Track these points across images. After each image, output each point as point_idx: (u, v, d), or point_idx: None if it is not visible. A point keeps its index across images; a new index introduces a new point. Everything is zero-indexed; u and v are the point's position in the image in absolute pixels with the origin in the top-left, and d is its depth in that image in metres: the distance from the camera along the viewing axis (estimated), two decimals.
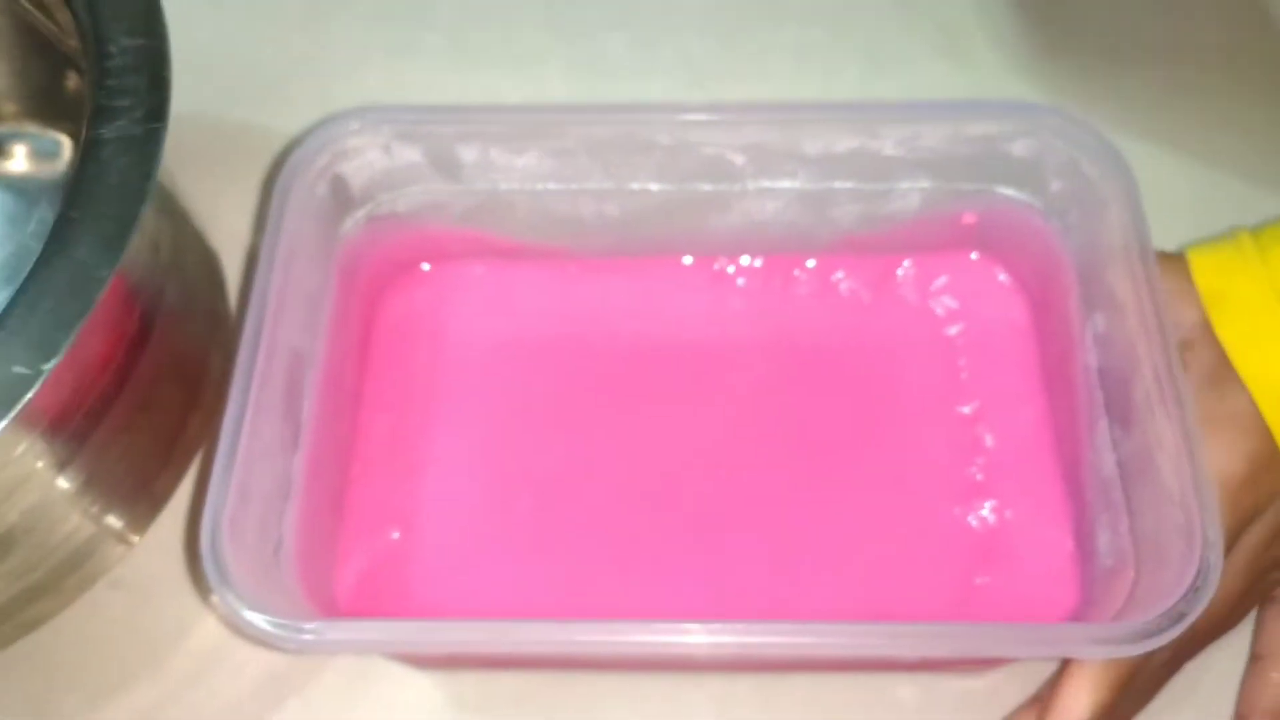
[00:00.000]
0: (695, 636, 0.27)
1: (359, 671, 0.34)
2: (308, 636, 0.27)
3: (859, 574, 0.33)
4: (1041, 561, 0.33)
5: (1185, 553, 0.27)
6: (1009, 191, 0.35)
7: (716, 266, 0.38)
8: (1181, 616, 0.26)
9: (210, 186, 0.40)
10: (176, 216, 0.37)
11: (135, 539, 0.36)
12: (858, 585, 0.33)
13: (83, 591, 0.35)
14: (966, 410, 0.35)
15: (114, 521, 0.35)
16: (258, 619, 0.27)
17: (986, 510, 0.34)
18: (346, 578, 0.33)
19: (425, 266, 0.38)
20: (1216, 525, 0.28)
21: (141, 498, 0.36)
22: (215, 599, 0.27)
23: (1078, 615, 0.31)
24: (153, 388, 0.34)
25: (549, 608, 0.33)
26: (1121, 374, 0.31)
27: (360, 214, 0.36)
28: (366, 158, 0.35)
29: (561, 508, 0.35)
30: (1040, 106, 0.33)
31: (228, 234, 0.40)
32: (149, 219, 0.32)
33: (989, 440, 0.35)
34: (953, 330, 0.37)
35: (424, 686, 0.34)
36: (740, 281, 0.38)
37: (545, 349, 0.37)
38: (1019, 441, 0.35)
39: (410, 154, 0.35)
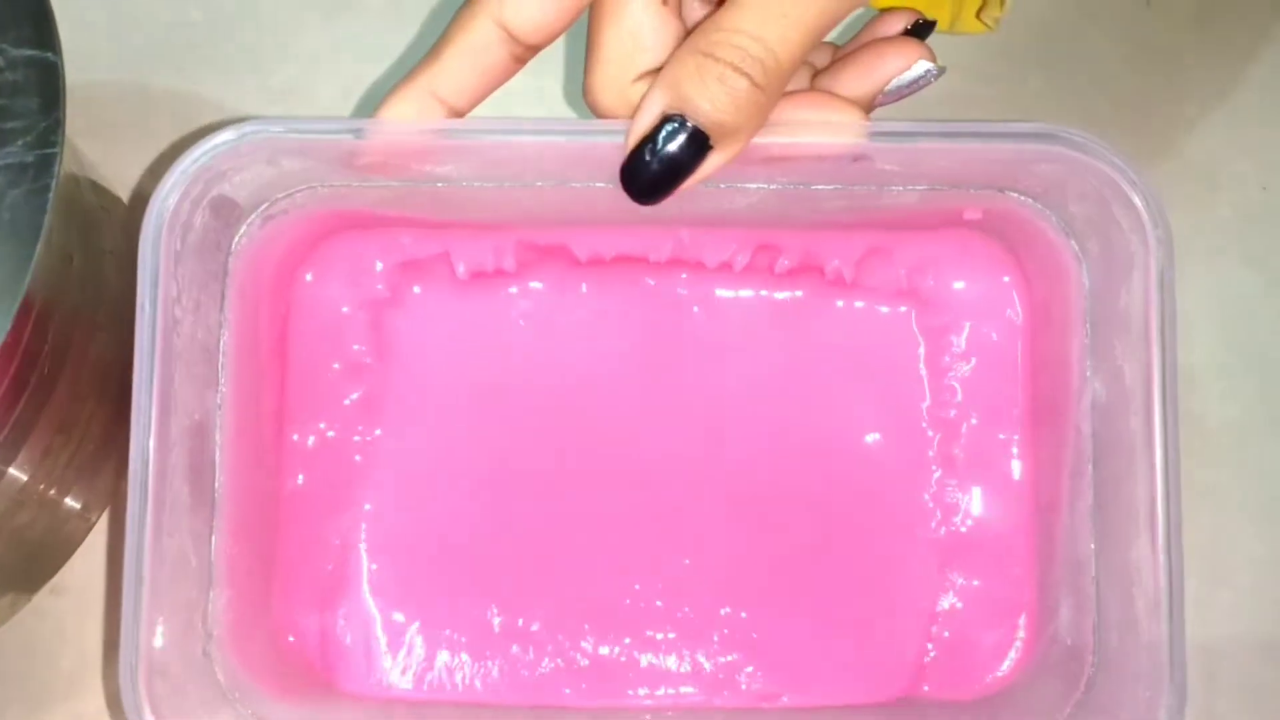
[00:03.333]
0: None
1: None
2: None
3: (818, 603, 0.32)
4: (1001, 620, 0.32)
5: (1150, 673, 0.27)
6: (1022, 197, 0.30)
7: (686, 255, 0.33)
8: None
9: (131, 161, 0.36)
10: (91, 213, 0.32)
11: (73, 550, 0.35)
12: (817, 616, 0.32)
13: (18, 609, 0.34)
14: (947, 451, 0.32)
15: (46, 544, 0.34)
16: None
17: (953, 565, 0.32)
18: (291, 624, 0.32)
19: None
20: (1183, 646, 0.27)
21: (73, 516, 0.34)
22: None
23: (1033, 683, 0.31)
24: (72, 406, 0.31)
25: (503, 635, 0.32)
26: (1114, 468, 0.28)
27: (254, 217, 0.30)
28: (251, 172, 0.29)
29: (516, 517, 0.32)
30: (1073, 135, 0.27)
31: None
32: (57, 233, 0.27)
33: (962, 497, 0.32)
34: (947, 352, 0.33)
35: None
36: (715, 268, 0.33)
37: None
38: (995, 487, 0.32)
39: (300, 164, 0.29)
